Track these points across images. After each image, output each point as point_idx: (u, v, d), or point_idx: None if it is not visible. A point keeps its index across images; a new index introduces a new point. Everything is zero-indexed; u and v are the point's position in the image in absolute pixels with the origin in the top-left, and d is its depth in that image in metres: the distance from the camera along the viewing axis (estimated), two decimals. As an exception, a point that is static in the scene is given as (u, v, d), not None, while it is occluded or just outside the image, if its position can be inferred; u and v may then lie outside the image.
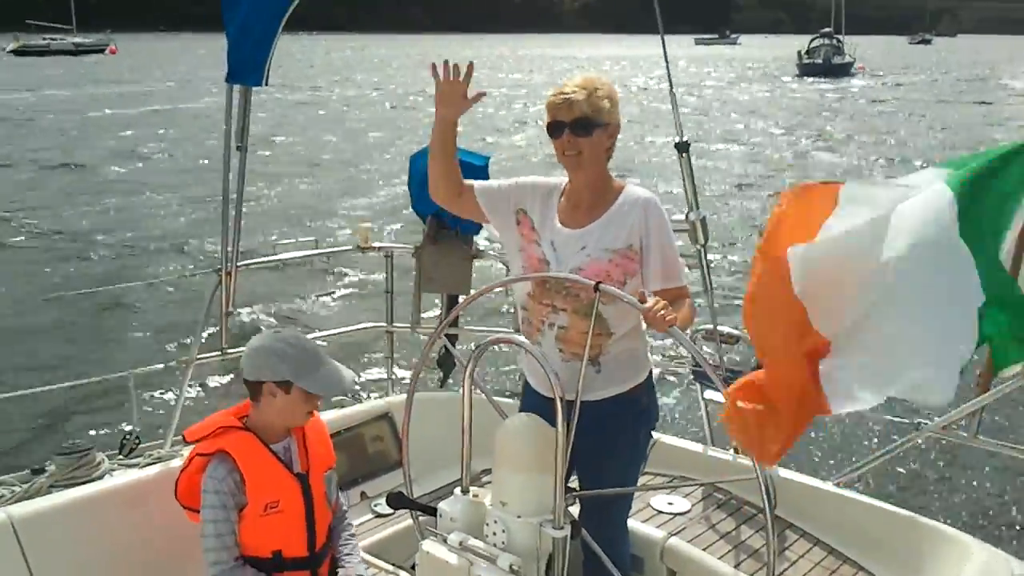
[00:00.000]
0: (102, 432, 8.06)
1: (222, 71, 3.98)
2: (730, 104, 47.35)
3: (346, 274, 13.04)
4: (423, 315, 5.03)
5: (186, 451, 3.94)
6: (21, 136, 31.19)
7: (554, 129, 3.06)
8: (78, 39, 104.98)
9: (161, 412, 7.71)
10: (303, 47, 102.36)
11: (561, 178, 3.24)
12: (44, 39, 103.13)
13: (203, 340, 4.34)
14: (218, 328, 4.37)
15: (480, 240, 4.97)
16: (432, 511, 2.85)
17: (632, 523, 3.63)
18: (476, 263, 4.78)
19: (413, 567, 3.20)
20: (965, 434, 3.87)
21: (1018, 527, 7.18)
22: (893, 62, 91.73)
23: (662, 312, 2.66)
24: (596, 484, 3.10)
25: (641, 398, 3.24)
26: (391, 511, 4.18)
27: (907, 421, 4.02)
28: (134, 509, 3.58)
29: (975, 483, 7.71)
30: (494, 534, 2.67)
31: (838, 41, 76.73)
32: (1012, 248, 3.10)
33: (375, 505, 4.25)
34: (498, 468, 2.74)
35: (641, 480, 3.67)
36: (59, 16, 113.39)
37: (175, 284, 12.15)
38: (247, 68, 3.89)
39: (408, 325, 4.93)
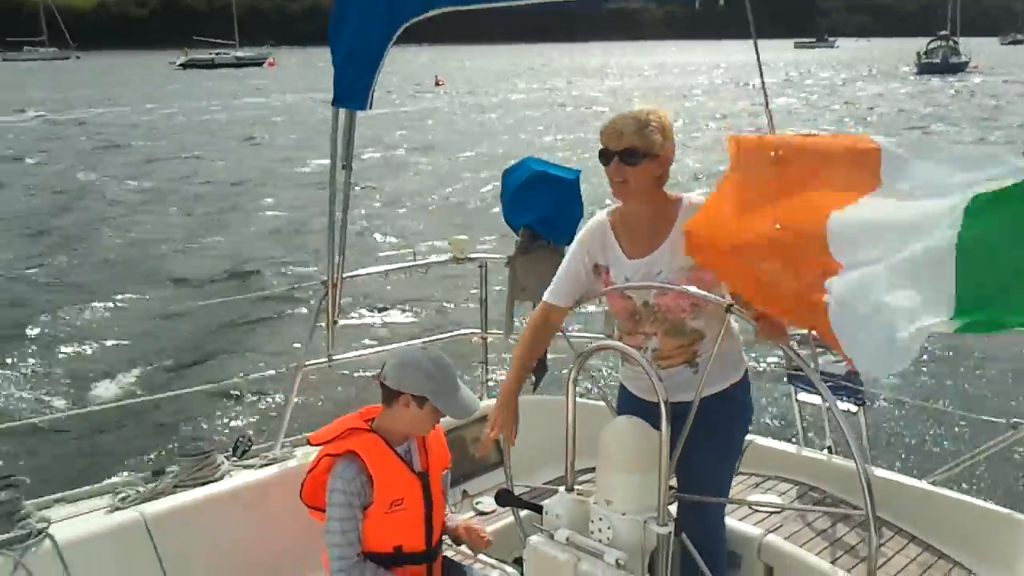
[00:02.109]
0: (217, 435, 8.30)
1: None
2: (864, 97, 50.30)
3: (442, 284, 13.17)
4: (515, 323, 5.06)
5: (299, 452, 4.07)
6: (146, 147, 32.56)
7: (604, 157, 3.06)
8: (240, 53, 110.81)
9: (272, 415, 7.90)
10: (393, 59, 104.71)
11: (600, 212, 3.24)
12: (209, 54, 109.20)
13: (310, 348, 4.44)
14: (326, 336, 4.46)
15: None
16: (538, 508, 2.89)
17: (729, 520, 3.60)
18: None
19: (516, 561, 3.25)
20: None
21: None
22: (996, 61, 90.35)
23: (778, 330, 2.71)
24: (694, 480, 3.07)
25: (737, 395, 3.22)
26: (491, 509, 4.23)
27: (1003, 420, 3.88)
28: (255, 508, 3.71)
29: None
30: (600, 531, 2.70)
31: (954, 42, 79.71)
32: None
33: (476, 503, 4.31)
34: (603, 468, 2.77)
35: (736, 479, 3.64)
36: (223, 32, 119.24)
37: (286, 296, 12.43)
38: (352, 93, 3.94)
39: (501, 332, 4.95)
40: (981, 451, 4.07)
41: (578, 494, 2.87)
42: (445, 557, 3.34)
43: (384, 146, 32.31)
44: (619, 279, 3.15)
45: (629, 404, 3.23)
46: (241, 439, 4.16)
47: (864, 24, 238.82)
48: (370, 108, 3.96)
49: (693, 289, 2.92)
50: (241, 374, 4.36)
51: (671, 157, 3.09)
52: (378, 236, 17.49)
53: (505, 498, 3.06)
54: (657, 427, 2.66)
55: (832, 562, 3.70)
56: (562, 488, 2.91)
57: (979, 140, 31.26)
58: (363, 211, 19.30)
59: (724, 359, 3.09)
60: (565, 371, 2.92)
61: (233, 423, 8.49)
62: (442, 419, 3.16)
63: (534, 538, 2.79)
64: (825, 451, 4.40)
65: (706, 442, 3.06)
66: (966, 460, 4.12)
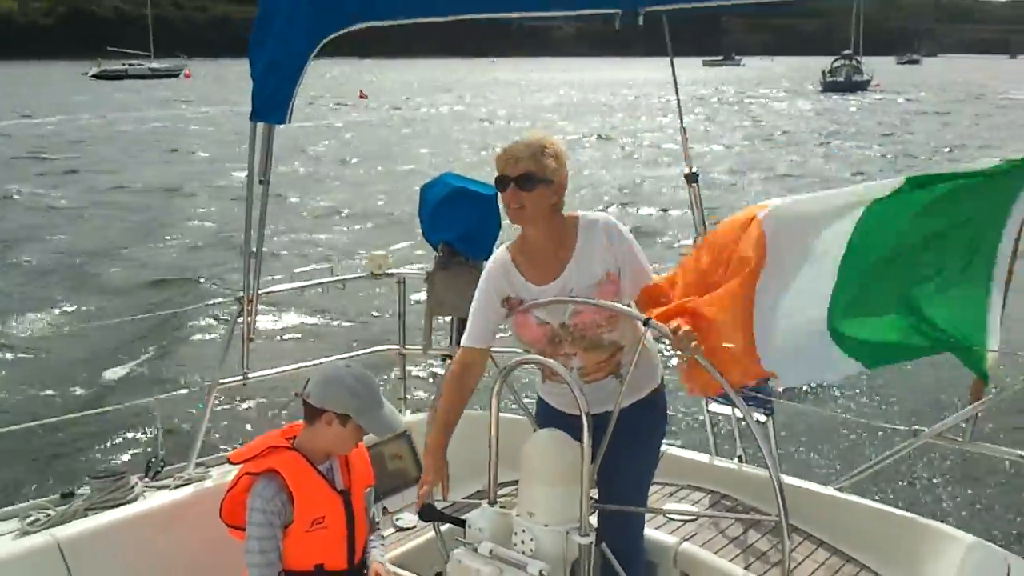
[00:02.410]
0: (129, 456, 8.08)
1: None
2: (773, 115, 52.63)
3: (360, 299, 13.06)
4: (434, 337, 5.05)
5: (214, 471, 3.99)
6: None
7: (500, 183, 3.10)
8: (155, 64, 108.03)
9: (186, 435, 7.72)
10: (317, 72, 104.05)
11: (498, 250, 3.29)
12: (123, 64, 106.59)
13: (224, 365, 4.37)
14: (241, 353, 4.39)
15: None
16: (461, 523, 2.90)
17: (646, 530, 3.65)
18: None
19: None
20: (960, 439, 3.87)
21: (1013, 525, 7.19)
22: (895, 80, 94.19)
23: (694, 343, 2.77)
24: (615, 490, 3.13)
25: (658, 401, 3.32)
26: (411, 525, 4.22)
27: (905, 427, 4.03)
28: (172, 529, 3.63)
29: (971, 485, 7.71)
30: (523, 543, 2.74)
31: (857, 61, 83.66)
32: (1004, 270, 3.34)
33: (396, 520, 4.28)
34: (525, 480, 2.80)
35: (651, 489, 3.69)
36: (139, 43, 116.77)
37: (200, 312, 12.17)
38: (271, 106, 3.88)
39: (420, 347, 4.94)
40: (885, 458, 4.21)
41: (500, 507, 2.89)
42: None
43: (307, 159, 31.96)
44: (531, 309, 3.18)
45: (549, 418, 3.26)
46: (154, 460, 4.07)
47: (766, 43, 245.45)
48: (289, 122, 3.92)
49: (617, 305, 2.99)
50: (154, 394, 4.23)
51: (565, 183, 3.15)
52: (297, 251, 17.27)
53: (428, 513, 3.04)
54: (578, 439, 2.70)
55: (746, 567, 3.78)
56: (485, 502, 2.92)
57: (882, 156, 32.70)
58: (282, 226, 19.02)
59: (643, 367, 3.16)
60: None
61: (146, 443, 8.25)
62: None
63: (458, 552, 2.80)
64: (736, 460, 4.49)
65: (627, 453, 3.13)
66: (870, 467, 4.24)
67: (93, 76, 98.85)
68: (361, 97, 67.88)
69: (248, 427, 8.49)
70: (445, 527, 3.19)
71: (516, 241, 3.26)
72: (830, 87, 78.05)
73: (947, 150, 34.15)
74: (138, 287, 14.74)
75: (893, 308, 3.42)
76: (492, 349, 3.31)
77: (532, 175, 3.04)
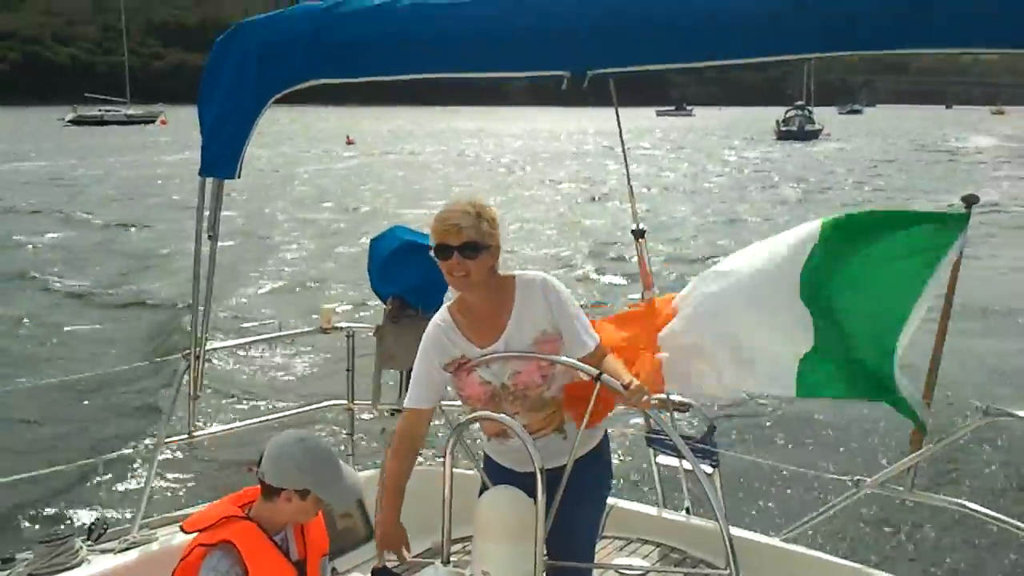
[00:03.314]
0: (70, 519, 7.80)
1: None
2: (736, 163, 55.17)
3: (309, 353, 12.91)
4: (382, 392, 5.00)
5: (160, 533, 3.88)
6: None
7: (442, 251, 3.08)
8: (131, 110, 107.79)
9: (133, 496, 7.50)
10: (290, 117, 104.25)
11: (437, 314, 3.28)
12: (99, 110, 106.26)
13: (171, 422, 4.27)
14: (186, 411, 4.30)
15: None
16: None
17: None
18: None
19: None
20: (902, 488, 3.92)
21: (955, 571, 7.29)
22: (841, 129, 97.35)
23: (645, 397, 2.85)
24: (567, 540, 3.10)
25: (603, 453, 3.34)
26: None
27: (848, 478, 4.06)
28: None
29: (913, 533, 7.80)
30: None
31: (809, 112, 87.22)
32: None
33: None
34: (479, 537, 2.79)
35: (600, 544, 3.68)
36: (116, 90, 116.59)
37: (146, 369, 11.91)
38: (221, 161, 3.85)
39: (369, 402, 4.89)
40: (829, 508, 4.23)
41: (454, 566, 2.87)
42: None
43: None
44: (477, 364, 3.17)
45: (497, 476, 3.25)
46: (96, 522, 3.95)
47: (713, 94, 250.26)
48: (239, 177, 3.89)
49: (568, 359, 2.99)
50: (97, 455, 4.12)
51: (500, 245, 3.16)
52: (245, 306, 17.03)
53: (383, 574, 3.01)
54: (528, 496, 2.68)
55: None
56: (438, 560, 2.89)
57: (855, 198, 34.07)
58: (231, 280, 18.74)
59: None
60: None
61: (88, 506, 7.99)
62: None
63: None
64: (684, 512, 4.49)
65: (576, 508, 3.11)
66: (815, 517, 4.26)
67: (70, 122, 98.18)
68: (349, 143, 69.11)
69: (194, 485, 8.27)
70: None
71: (455, 303, 3.26)
72: (784, 135, 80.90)
73: (906, 198, 35.77)
74: (82, 345, 14.41)
75: (838, 347, 3.67)
76: (444, 404, 3.29)
77: (475, 243, 3.04)
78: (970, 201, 3.55)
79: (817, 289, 3.65)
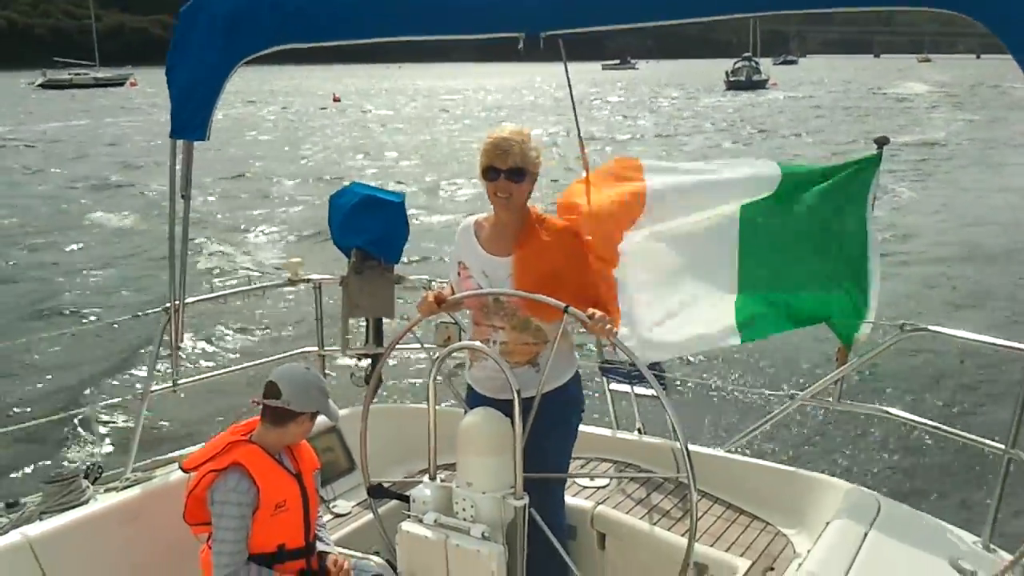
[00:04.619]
0: (64, 465, 7.78)
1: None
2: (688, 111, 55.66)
3: (279, 304, 12.83)
4: (349, 338, 5.02)
5: (155, 474, 3.91)
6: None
7: (491, 173, 3.16)
8: (99, 74, 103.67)
9: (121, 443, 7.49)
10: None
11: (467, 219, 3.40)
12: (68, 74, 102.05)
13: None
14: (170, 361, 4.30)
15: (401, 268, 5.00)
16: (405, 499, 3.00)
17: (565, 497, 3.76)
18: (398, 288, 4.83)
19: (376, 553, 3.41)
20: (831, 399, 4.09)
21: (880, 470, 7.62)
22: (784, 78, 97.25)
23: (608, 326, 2.92)
24: (540, 463, 3.20)
25: (572, 389, 3.42)
26: (347, 512, 4.25)
27: (783, 392, 4.21)
28: (131, 525, 3.59)
29: (843, 439, 8.11)
30: (464, 510, 2.87)
31: (756, 63, 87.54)
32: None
33: (333, 507, 4.27)
34: (462, 454, 2.92)
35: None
36: (85, 55, 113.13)
37: (129, 322, 11.75)
38: (191, 124, 3.81)
39: (338, 348, 4.92)
40: (766, 420, 4.41)
41: (441, 481, 2.99)
42: (319, 551, 3.35)
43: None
44: (476, 271, 3.28)
45: (478, 403, 3.32)
46: (91, 467, 3.99)
47: (650, 48, 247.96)
48: (208, 139, 3.86)
49: (538, 295, 3.03)
50: (89, 404, 4.11)
51: (538, 174, 3.25)
52: (218, 261, 16.79)
53: (376, 491, 3.17)
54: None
55: (653, 524, 3.93)
56: (426, 477, 3.02)
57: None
58: (209, 236, 18.45)
59: (560, 357, 3.23)
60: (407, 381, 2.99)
61: (81, 453, 7.97)
62: None
63: (405, 524, 2.91)
64: (636, 432, 4.61)
65: (550, 433, 3.23)
66: (754, 429, 4.43)
67: (39, 86, 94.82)
68: (335, 100, 68.26)
69: (181, 431, 8.27)
70: (383, 509, 3.31)
71: (486, 216, 3.38)
72: (733, 85, 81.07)
73: (867, 140, 35.98)
74: (66, 300, 14.19)
75: (774, 291, 3.85)
76: (427, 344, 3.38)
77: (521, 169, 3.12)
78: (881, 142, 3.72)
79: (753, 250, 3.83)
